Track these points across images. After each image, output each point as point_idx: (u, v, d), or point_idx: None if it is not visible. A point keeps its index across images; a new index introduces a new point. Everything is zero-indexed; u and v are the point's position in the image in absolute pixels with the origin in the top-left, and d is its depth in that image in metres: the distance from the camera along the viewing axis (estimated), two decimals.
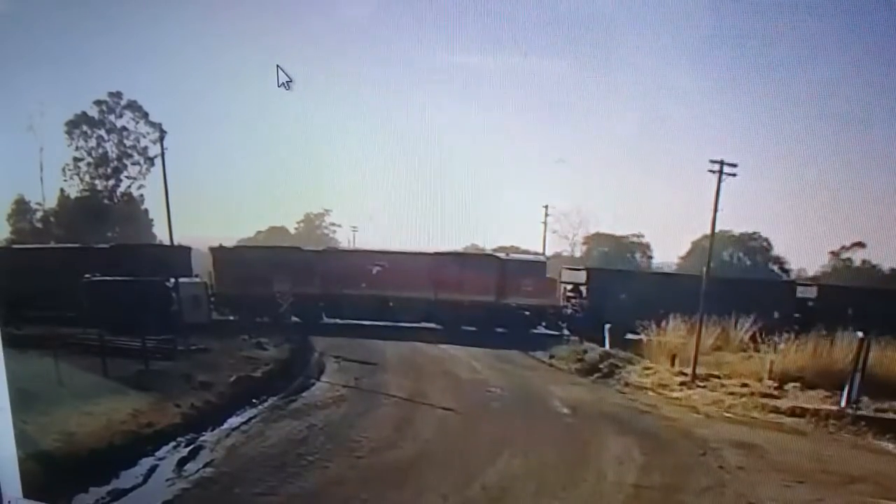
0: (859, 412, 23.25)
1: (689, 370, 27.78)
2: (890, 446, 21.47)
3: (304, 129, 43.56)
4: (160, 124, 40.02)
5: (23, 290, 30.42)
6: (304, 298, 37.08)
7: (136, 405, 20.77)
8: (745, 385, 26.46)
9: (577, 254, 52.62)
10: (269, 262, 37.58)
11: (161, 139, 35.56)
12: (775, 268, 47.07)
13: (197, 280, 36.36)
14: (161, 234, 43.13)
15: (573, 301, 37.63)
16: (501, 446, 19.66)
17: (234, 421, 21.77)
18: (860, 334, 24.37)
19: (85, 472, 16.62)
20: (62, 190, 48.20)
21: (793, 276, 45.19)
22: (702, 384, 27.18)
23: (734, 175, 28.67)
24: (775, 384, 26.23)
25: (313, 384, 26.63)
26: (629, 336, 32.63)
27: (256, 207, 51.05)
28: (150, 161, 47.27)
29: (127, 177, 49.27)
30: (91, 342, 26.20)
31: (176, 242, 33.62)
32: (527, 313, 37.43)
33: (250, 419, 22.03)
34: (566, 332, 36.77)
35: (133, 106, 47.06)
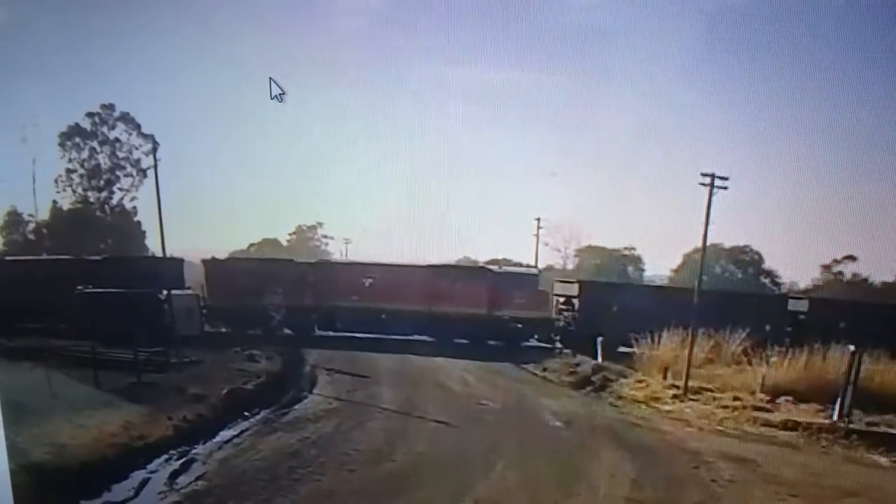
0: (851, 426, 23.28)
1: (681, 383, 27.79)
2: (882, 460, 21.48)
3: (296, 142, 43.77)
4: (153, 136, 40.05)
5: (15, 301, 30.39)
6: (297, 311, 37.06)
7: (128, 418, 20.62)
8: (737, 398, 26.47)
9: (570, 266, 52.78)
10: (261, 275, 37.56)
11: (154, 151, 35.56)
12: (767, 281, 47.31)
13: (189, 292, 36.28)
14: (153, 245, 43.10)
15: (565, 314, 37.68)
16: (494, 459, 19.61)
17: (226, 434, 21.61)
18: (852, 347, 24.40)
19: (76, 484, 16.49)
20: (55, 202, 48.22)
21: (784, 289, 45.45)
22: (694, 397, 27.18)
23: (725, 188, 28.81)
24: (767, 397, 26.26)
25: (305, 397, 26.52)
26: (621, 349, 32.66)
27: (249, 219, 51.16)
28: (143, 173, 47.38)
29: (119, 188, 49.34)
30: (83, 354, 26.08)
31: (168, 254, 33.56)
32: (519, 326, 37.48)
33: (242, 432, 21.88)
34: (558, 344, 36.81)
35: (126, 118, 47.15)
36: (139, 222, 49.57)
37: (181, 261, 37.50)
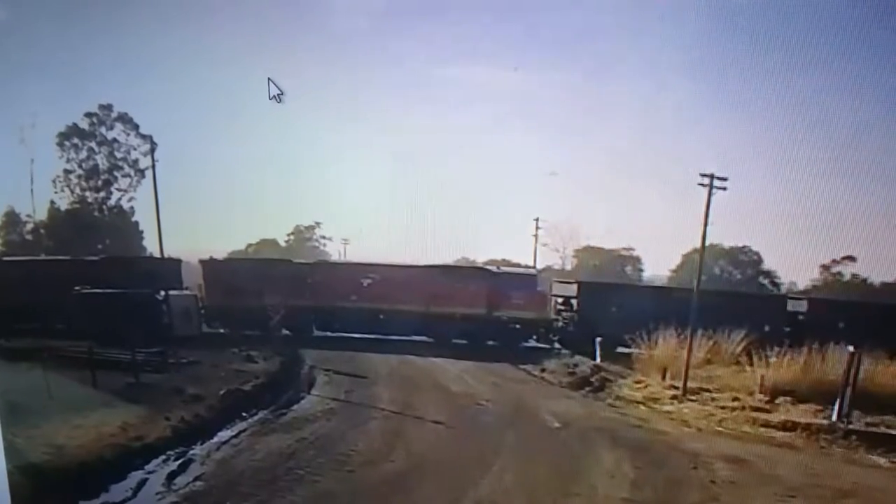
0: (850, 426, 23.24)
1: (680, 384, 27.74)
2: (881, 460, 21.46)
3: (294, 142, 43.77)
4: (151, 136, 40.02)
5: (12, 302, 30.36)
6: (295, 311, 36.95)
7: (125, 418, 20.60)
8: (736, 399, 26.43)
9: (568, 267, 52.79)
10: (259, 275, 37.48)
11: (152, 151, 35.51)
12: (766, 281, 47.33)
13: (187, 293, 36.23)
14: (151, 246, 43.09)
15: (564, 314, 37.64)
16: (492, 460, 19.58)
17: (224, 434, 21.58)
18: (851, 348, 24.35)
19: (74, 485, 16.47)
20: (52, 202, 48.19)
21: (783, 289, 45.45)
22: (693, 398, 27.14)
23: (724, 189, 28.73)
24: (766, 398, 26.22)
25: (303, 397, 26.46)
26: (620, 349, 32.64)
27: (247, 220, 51.13)
28: (141, 173, 47.42)
29: (117, 189, 49.31)
30: (81, 354, 26.00)
31: (166, 255, 33.51)
32: (518, 326, 37.37)
33: (240, 432, 21.85)
34: (557, 345, 36.75)
35: (124, 118, 47.13)
36: (137, 223, 49.59)
37: (179, 261, 37.49)
